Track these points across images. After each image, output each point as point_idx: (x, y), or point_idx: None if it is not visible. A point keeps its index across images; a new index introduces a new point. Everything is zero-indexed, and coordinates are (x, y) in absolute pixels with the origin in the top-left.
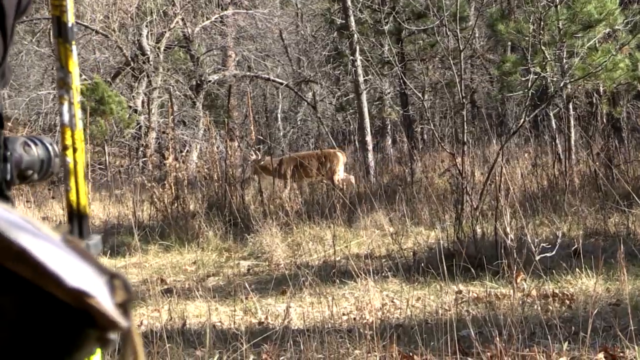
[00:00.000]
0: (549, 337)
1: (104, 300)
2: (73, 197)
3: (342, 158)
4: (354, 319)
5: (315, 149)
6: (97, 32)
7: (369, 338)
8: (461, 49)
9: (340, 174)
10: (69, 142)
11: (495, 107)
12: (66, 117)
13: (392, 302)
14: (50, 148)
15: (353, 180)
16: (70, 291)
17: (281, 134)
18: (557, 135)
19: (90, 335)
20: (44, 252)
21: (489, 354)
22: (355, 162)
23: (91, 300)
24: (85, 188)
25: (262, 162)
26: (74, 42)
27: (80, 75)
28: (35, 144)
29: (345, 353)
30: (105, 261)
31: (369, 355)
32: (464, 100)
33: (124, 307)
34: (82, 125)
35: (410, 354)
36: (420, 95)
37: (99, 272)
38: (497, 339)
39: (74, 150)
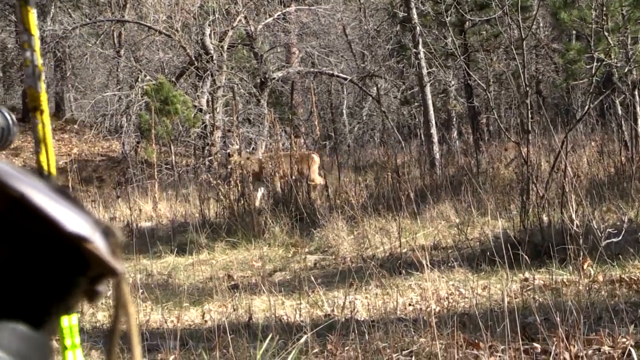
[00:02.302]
0: (614, 321)
1: (101, 247)
2: (43, 158)
3: (317, 160)
4: (420, 308)
5: (306, 150)
6: (160, 32)
7: (433, 326)
8: (523, 37)
9: (315, 176)
10: (35, 103)
11: (561, 97)
12: (31, 79)
13: (458, 291)
14: (8, 116)
15: (323, 182)
16: (69, 236)
17: (347, 129)
18: (623, 123)
19: (80, 283)
20: (43, 198)
21: (554, 339)
22: (420, 155)
23: (89, 245)
24: (53, 149)
25: (241, 161)
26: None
27: (145, 76)
28: None
29: (410, 341)
30: (174, 259)
31: (434, 343)
32: (528, 89)
33: (117, 256)
34: (46, 87)
35: (476, 341)
36: (484, 86)
37: (92, 222)
38: (563, 324)
39: (41, 112)
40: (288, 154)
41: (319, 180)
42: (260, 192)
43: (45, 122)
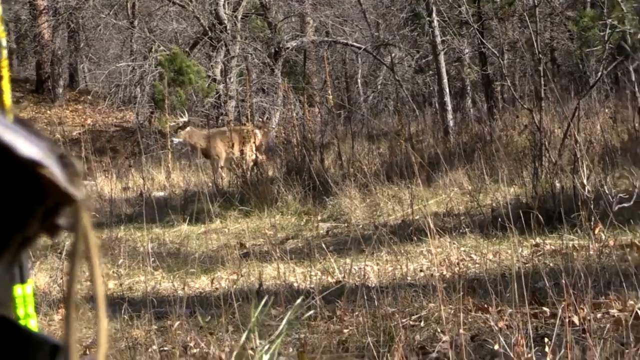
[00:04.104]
0: (624, 285)
1: (57, 172)
2: None
3: (259, 136)
4: (431, 275)
5: (239, 125)
6: (174, 2)
7: (442, 291)
8: (536, 4)
9: (252, 152)
10: None
11: (575, 64)
12: None
13: (469, 257)
14: None
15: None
16: (23, 161)
17: (361, 98)
18: (637, 89)
19: (38, 213)
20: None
21: (564, 303)
22: (434, 123)
23: (45, 170)
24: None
25: (186, 133)
26: None
27: (159, 47)
28: None
29: (419, 307)
30: (186, 228)
31: (444, 307)
32: (541, 56)
33: (74, 183)
34: (7, 55)
35: (485, 305)
36: (498, 54)
37: (49, 149)
38: (572, 288)
39: (0, 77)
40: (234, 129)
41: (257, 156)
42: (221, 163)
43: (5, 89)
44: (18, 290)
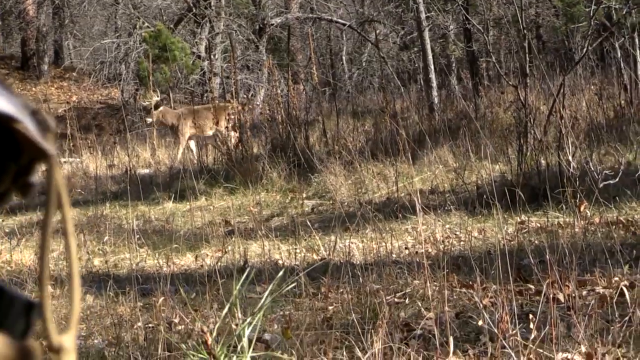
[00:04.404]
0: (610, 262)
1: (30, 127)
2: None
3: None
4: (416, 252)
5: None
6: None
7: (427, 267)
8: None
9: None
10: None
11: (561, 41)
12: None
13: (454, 234)
14: None
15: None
16: None
17: (346, 75)
18: (622, 66)
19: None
20: None
21: (549, 280)
22: (419, 100)
23: (19, 125)
24: None
25: (160, 112)
26: None
27: (143, 23)
28: None
29: (404, 284)
30: (172, 205)
31: (429, 284)
32: (526, 32)
33: (47, 139)
34: None
35: (470, 282)
36: (483, 30)
37: (23, 105)
38: (557, 265)
39: None
40: (206, 106)
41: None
42: (193, 143)
43: None
44: None
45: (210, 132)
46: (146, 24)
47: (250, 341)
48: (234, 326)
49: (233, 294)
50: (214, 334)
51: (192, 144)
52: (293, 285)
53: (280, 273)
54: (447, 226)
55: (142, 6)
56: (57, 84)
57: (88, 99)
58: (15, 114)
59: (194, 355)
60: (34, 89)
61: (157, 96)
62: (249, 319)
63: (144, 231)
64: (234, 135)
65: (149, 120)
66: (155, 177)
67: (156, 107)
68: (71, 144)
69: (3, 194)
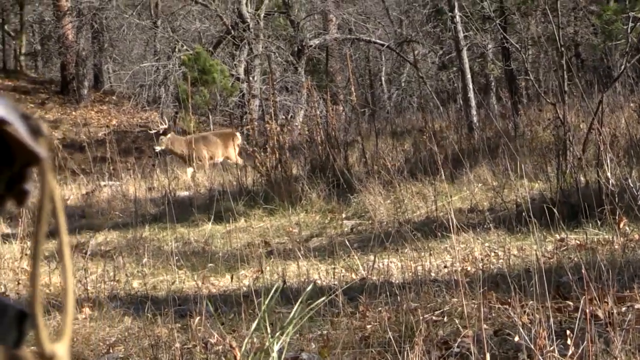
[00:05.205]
0: None
1: (21, 130)
2: None
3: (239, 138)
4: (455, 270)
5: (222, 128)
6: (196, 2)
7: (466, 285)
8: None
9: (234, 155)
10: None
11: (600, 59)
12: None
13: (493, 252)
14: None
15: (241, 162)
16: None
17: (385, 96)
18: None
19: (3, 176)
20: None
21: (587, 297)
22: (458, 120)
23: (9, 127)
24: None
25: (168, 140)
26: None
27: (182, 46)
28: None
29: (442, 302)
30: (210, 227)
31: (466, 302)
32: (563, 50)
33: (39, 142)
34: None
35: (509, 300)
36: (522, 49)
37: (12, 107)
38: (596, 281)
39: None
40: (214, 133)
41: (238, 159)
42: (190, 170)
43: None
44: None
45: (220, 159)
46: (185, 47)
47: (280, 355)
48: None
49: (262, 309)
50: (243, 348)
51: (189, 171)
52: (327, 301)
53: (309, 287)
54: (486, 244)
55: (181, 29)
56: (96, 108)
57: (128, 123)
58: (5, 115)
59: None
60: (74, 113)
61: (165, 123)
62: (277, 333)
63: (183, 253)
64: (240, 162)
65: (158, 148)
66: (194, 199)
67: (164, 133)
68: (111, 168)
69: None
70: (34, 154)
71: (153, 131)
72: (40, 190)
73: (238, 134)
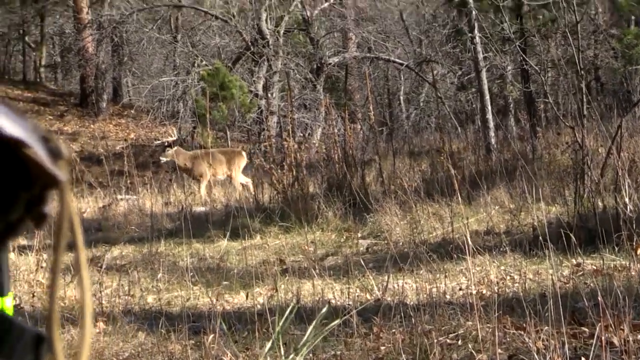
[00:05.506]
0: None
1: (40, 152)
2: None
3: (244, 158)
4: (470, 293)
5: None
6: (216, 17)
7: (480, 309)
8: (577, 20)
9: (238, 174)
10: None
11: (620, 83)
12: None
13: (509, 276)
14: None
15: (250, 185)
16: (7, 140)
17: (404, 115)
18: None
19: (22, 199)
20: None
21: (603, 323)
22: (476, 141)
23: (29, 150)
24: None
25: (173, 152)
26: None
27: (201, 61)
28: None
29: (457, 325)
30: (226, 243)
31: (481, 326)
32: (582, 72)
33: (58, 165)
34: None
35: (524, 325)
36: (541, 72)
37: (33, 130)
38: (612, 308)
39: None
40: (220, 150)
41: (242, 179)
42: (204, 184)
43: None
44: None
45: (222, 176)
46: (204, 62)
47: None
48: None
49: (276, 330)
50: None
51: (203, 187)
52: (341, 323)
53: (324, 309)
54: (502, 267)
55: (200, 44)
56: (115, 121)
57: (146, 137)
58: (25, 138)
59: None
60: (92, 125)
61: (174, 135)
62: (292, 355)
63: (198, 269)
64: (246, 182)
65: (163, 159)
66: (210, 215)
67: (170, 146)
68: (128, 181)
69: (15, 224)
70: (54, 176)
71: (157, 142)
72: (58, 213)
73: (244, 154)
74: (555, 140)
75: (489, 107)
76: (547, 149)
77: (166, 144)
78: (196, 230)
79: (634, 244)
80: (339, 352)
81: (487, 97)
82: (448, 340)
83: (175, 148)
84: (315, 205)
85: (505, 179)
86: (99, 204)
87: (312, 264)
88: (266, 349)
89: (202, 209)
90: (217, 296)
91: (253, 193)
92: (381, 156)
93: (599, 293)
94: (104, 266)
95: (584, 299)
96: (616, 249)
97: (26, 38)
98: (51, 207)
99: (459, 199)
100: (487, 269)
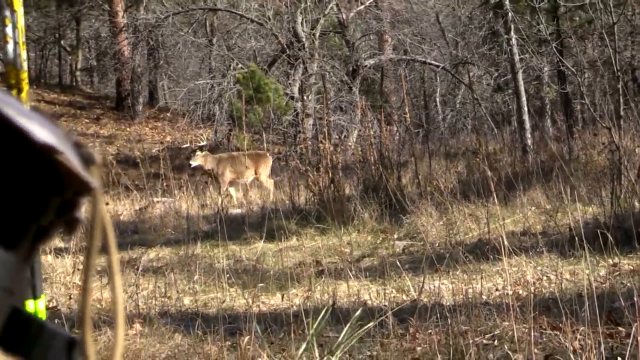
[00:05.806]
0: None
1: (72, 158)
2: None
3: (270, 161)
4: (507, 294)
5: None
6: (252, 20)
7: (517, 309)
8: (614, 21)
9: (264, 177)
10: (13, 81)
11: None
12: (11, 56)
13: (546, 276)
14: None
15: (272, 187)
16: (39, 146)
17: (440, 117)
18: None
19: (54, 204)
20: (13, 110)
21: (639, 323)
22: (513, 142)
23: (61, 156)
24: None
25: (201, 156)
26: None
27: (237, 64)
28: None
29: (493, 325)
30: (262, 245)
31: (517, 326)
32: (619, 73)
33: (90, 171)
34: (27, 67)
35: (560, 325)
36: (578, 73)
37: (65, 136)
38: None
39: (19, 90)
40: (245, 153)
41: (267, 182)
42: (224, 187)
43: (23, 102)
44: (30, 305)
45: (249, 179)
46: (240, 65)
47: None
48: None
49: (311, 331)
50: None
51: (232, 190)
52: (377, 324)
53: (359, 311)
54: (538, 268)
55: (236, 47)
56: (151, 124)
57: (182, 139)
58: (57, 145)
59: None
60: (128, 129)
61: (204, 141)
62: (327, 356)
63: (234, 270)
64: (270, 183)
65: (193, 164)
66: (246, 217)
67: (200, 149)
68: (164, 184)
69: (47, 228)
70: (86, 183)
71: (186, 145)
72: (90, 220)
73: (269, 156)
74: (592, 141)
75: (526, 109)
76: (583, 149)
77: (194, 147)
78: (232, 232)
79: None
80: (374, 353)
81: (524, 98)
82: (484, 341)
83: (205, 152)
84: (351, 206)
85: (541, 180)
86: (135, 207)
87: (348, 265)
88: (301, 350)
89: (238, 211)
90: (253, 298)
91: (273, 195)
92: (417, 158)
93: (636, 293)
94: (140, 268)
95: (621, 299)
96: None
97: (62, 42)
98: (82, 212)
99: (495, 200)
100: (523, 269)
